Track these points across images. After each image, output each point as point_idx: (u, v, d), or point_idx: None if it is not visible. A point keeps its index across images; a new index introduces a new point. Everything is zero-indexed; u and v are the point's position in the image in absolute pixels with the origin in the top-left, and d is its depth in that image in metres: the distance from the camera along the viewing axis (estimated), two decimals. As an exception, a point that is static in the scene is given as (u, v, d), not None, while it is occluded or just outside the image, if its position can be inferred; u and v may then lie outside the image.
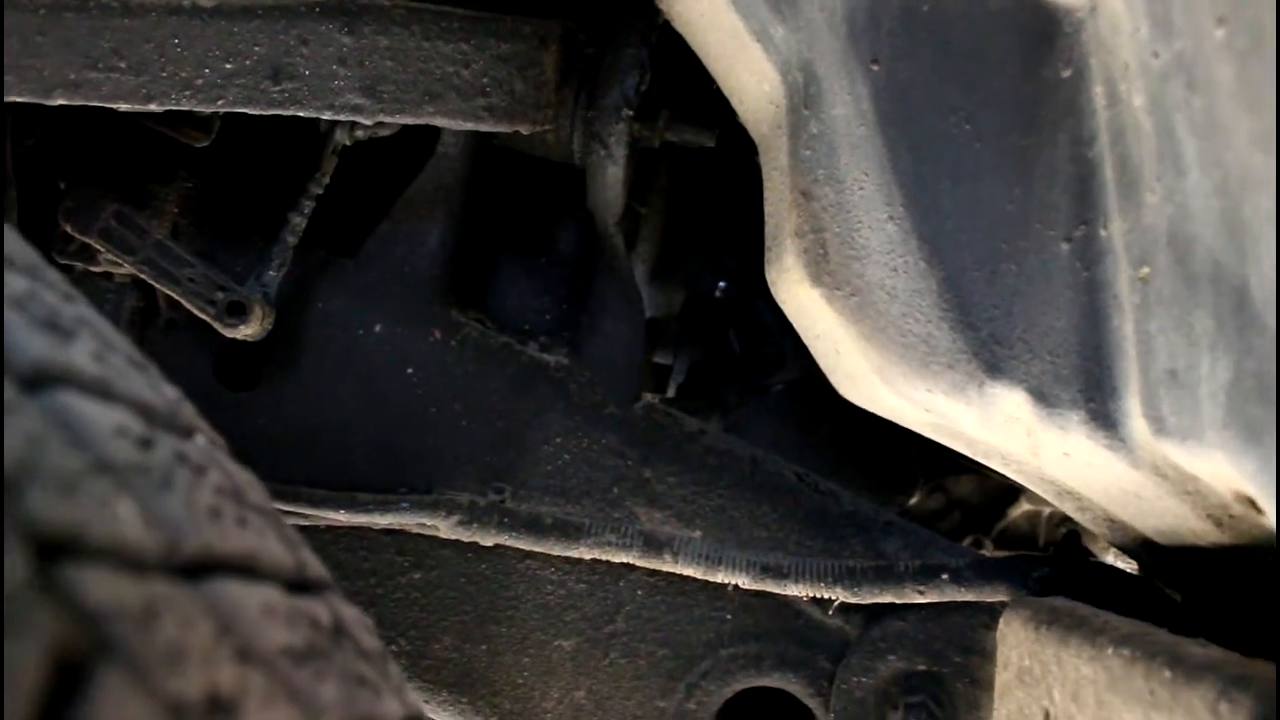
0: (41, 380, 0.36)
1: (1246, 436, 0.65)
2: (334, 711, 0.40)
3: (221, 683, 0.33)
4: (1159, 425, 0.76)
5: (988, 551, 1.98)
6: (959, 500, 2.03)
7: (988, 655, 1.15)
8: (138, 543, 0.34)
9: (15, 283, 0.42)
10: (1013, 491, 1.98)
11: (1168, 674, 0.75)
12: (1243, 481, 0.67)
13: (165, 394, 0.48)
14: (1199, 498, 0.82)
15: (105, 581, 0.31)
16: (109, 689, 0.28)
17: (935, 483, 1.96)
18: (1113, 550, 1.61)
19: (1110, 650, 0.82)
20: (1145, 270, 0.76)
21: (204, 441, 0.48)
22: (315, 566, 0.51)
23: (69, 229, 1.15)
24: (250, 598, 0.39)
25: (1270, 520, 0.64)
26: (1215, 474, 0.72)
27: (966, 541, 2.02)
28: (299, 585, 0.46)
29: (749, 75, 1.02)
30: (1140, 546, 0.98)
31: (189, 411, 0.50)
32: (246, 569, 0.41)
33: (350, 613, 0.51)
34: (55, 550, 0.30)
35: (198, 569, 0.37)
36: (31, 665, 0.26)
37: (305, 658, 0.40)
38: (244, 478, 0.49)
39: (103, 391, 0.40)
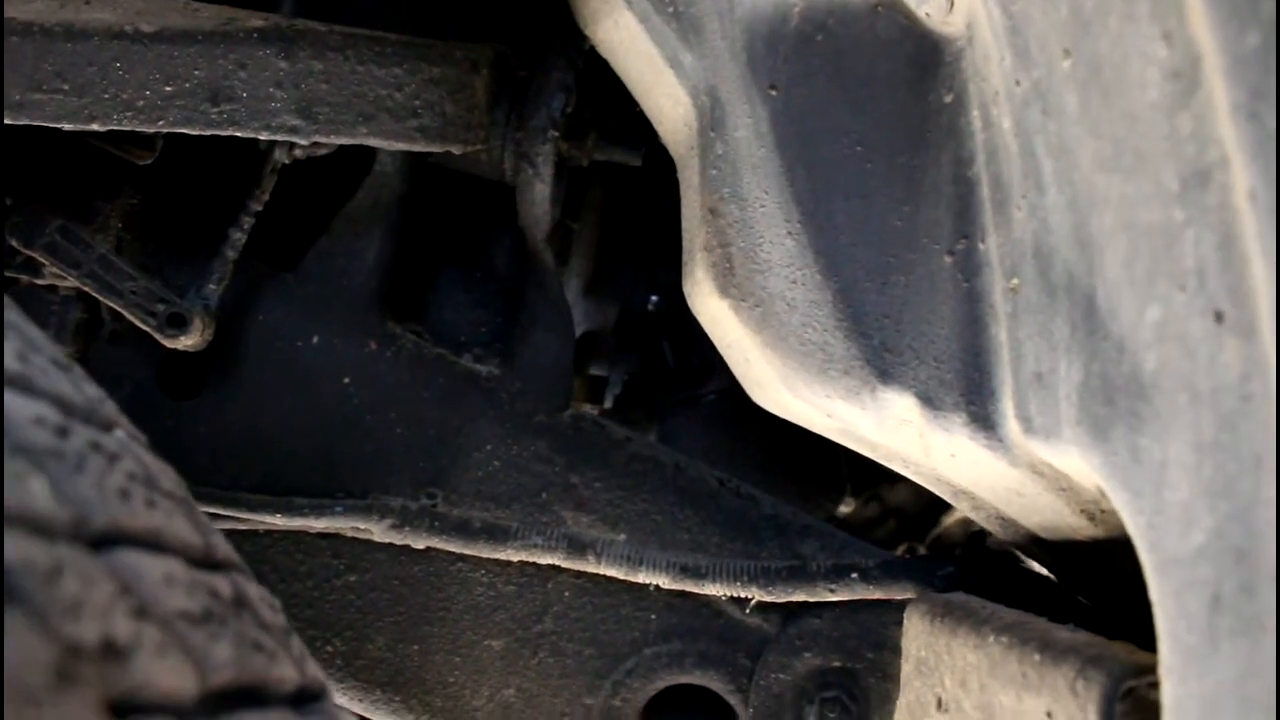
0: (-36, 375, 0.41)
1: (1094, 432, 0.71)
2: (226, 669, 0.45)
3: (117, 632, 0.38)
4: (1028, 425, 0.82)
5: (920, 558, 2.03)
6: (894, 508, 2.08)
7: (898, 651, 1.20)
8: (47, 513, 0.39)
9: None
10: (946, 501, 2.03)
11: (1037, 657, 0.81)
12: (1094, 474, 0.73)
13: (86, 392, 0.53)
14: (1072, 494, 0.88)
15: (14, 543, 0.36)
16: (13, 628, 0.33)
17: (871, 491, 2.01)
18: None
19: (991, 638, 0.88)
20: (1015, 281, 0.82)
21: (122, 435, 0.53)
22: (224, 549, 0.56)
23: (15, 243, 1.19)
24: (152, 567, 0.44)
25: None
26: (1076, 469, 0.78)
27: (901, 548, 2.08)
28: (204, 562, 0.51)
29: (665, 99, 1.08)
30: (1030, 543, 1.04)
31: (110, 408, 0.55)
32: (151, 543, 0.46)
33: (255, 590, 0.55)
34: (-31, 515, 0.35)
35: (104, 540, 0.42)
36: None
37: (202, 621, 0.45)
38: (159, 467, 0.54)
39: (24, 386, 0.45)
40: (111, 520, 0.44)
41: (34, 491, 0.39)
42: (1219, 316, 0.57)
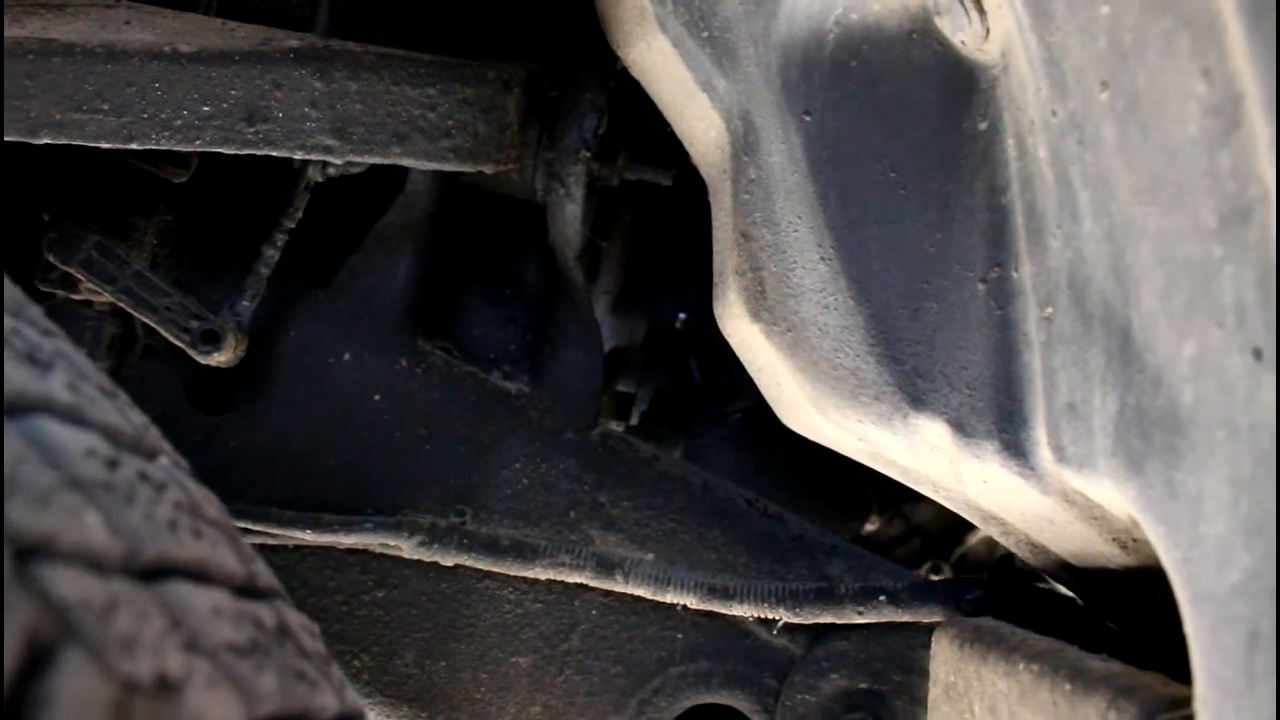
0: (22, 408, 0.42)
1: (1129, 465, 0.71)
2: (271, 699, 0.45)
3: (170, 667, 0.39)
4: (1061, 454, 0.82)
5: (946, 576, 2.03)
6: (919, 527, 2.08)
7: (926, 674, 1.20)
8: (101, 548, 0.40)
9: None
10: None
11: (1068, 686, 0.81)
12: (1128, 506, 0.73)
13: (132, 419, 0.54)
14: (1104, 523, 0.88)
15: (71, 579, 0.37)
16: (71, 666, 0.34)
17: (895, 510, 2.02)
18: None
19: (1022, 665, 0.88)
20: (1049, 310, 0.82)
21: (166, 462, 0.54)
22: (266, 577, 0.56)
23: (52, 259, 1.20)
24: (200, 599, 0.45)
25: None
26: (1109, 499, 0.78)
27: (926, 567, 2.08)
28: (248, 591, 0.51)
29: (698, 122, 1.08)
30: (1061, 569, 1.04)
31: (154, 435, 0.56)
32: (198, 574, 0.47)
33: (296, 618, 0.56)
34: (30, 552, 0.36)
35: (154, 572, 0.43)
36: (9, 643, 0.32)
37: (248, 652, 0.46)
38: (202, 495, 0.55)
39: (75, 418, 0.46)
40: (161, 551, 0.44)
41: (89, 526, 0.40)
42: (1258, 354, 0.57)
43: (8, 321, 0.48)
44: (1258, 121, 0.54)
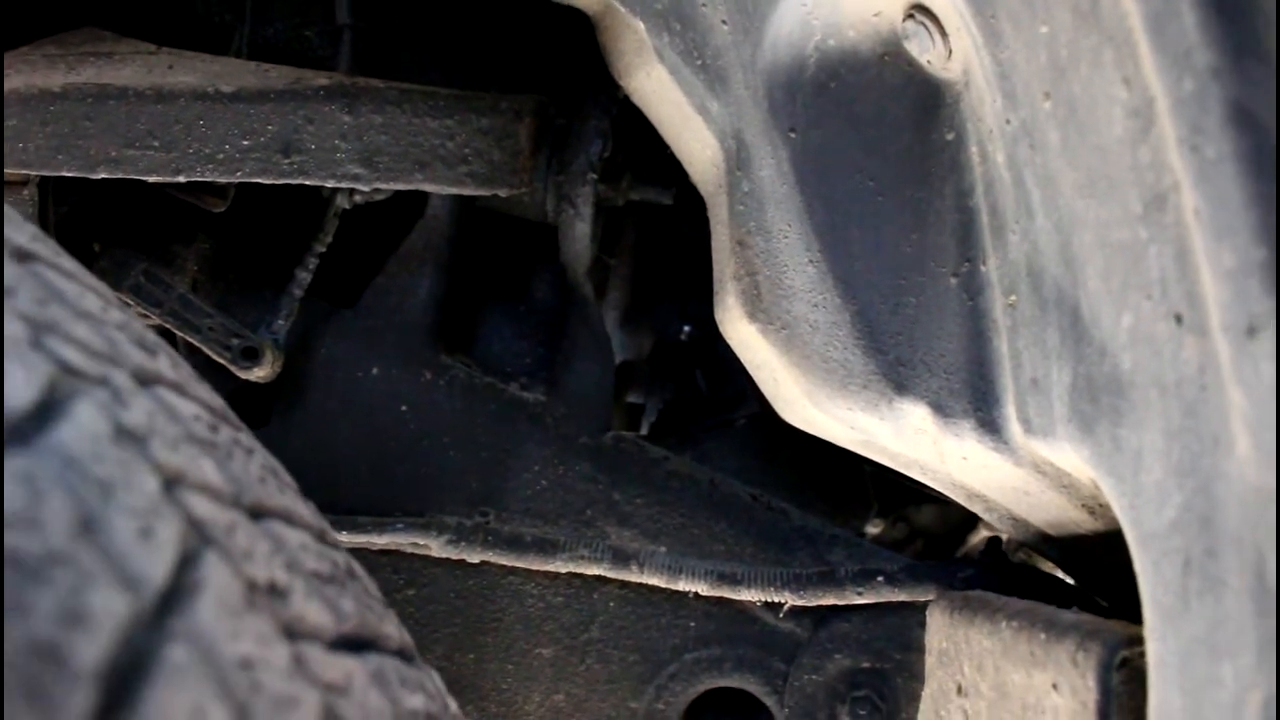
0: (145, 379, 0.52)
1: (1083, 428, 0.80)
2: (353, 619, 0.55)
3: (277, 578, 0.48)
4: (1028, 426, 0.91)
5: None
6: (921, 529, 2.15)
7: (924, 651, 1.29)
8: (217, 486, 0.49)
9: (115, 314, 0.57)
10: (971, 520, 2.11)
11: (1043, 636, 0.90)
12: (1085, 466, 0.82)
13: (218, 400, 0.63)
14: (1073, 490, 0.97)
15: (202, 504, 0.46)
16: (213, 563, 0.43)
17: (898, 513, 2.09)
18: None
19: (1004, 624, 0.97)
20: (1013, 298, 0.92)
21: (247, 435, 0.63)
22: (331, 533, 0.66)
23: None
24: (291, 535, 0.54)
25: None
26: (1071, 464, 0.87)
27: (929, 567, 2.15)
28: (322, 539, 0.61)
29: (695, 142, 1.18)
30: (1041, 540, 1.13)
31: (234, 415, 0.66)
32: (287, 518, 0.56)
33: (359, 567, 0.65)
34: (172, 482, 0.45)
35: (255, 512, 0.52)
36: (171, 544, 0.41)
37: (330, 580, 0.55)
38: (276, 464, 0.65)
39: (181, 390, 0.55)
40: (257, 497, 0.54)
41: (206, 469, 0.49)
42: (1179, 319, 0.66)
43: (120, 315, 0.58)
44: (1165, 120, 0.63)
